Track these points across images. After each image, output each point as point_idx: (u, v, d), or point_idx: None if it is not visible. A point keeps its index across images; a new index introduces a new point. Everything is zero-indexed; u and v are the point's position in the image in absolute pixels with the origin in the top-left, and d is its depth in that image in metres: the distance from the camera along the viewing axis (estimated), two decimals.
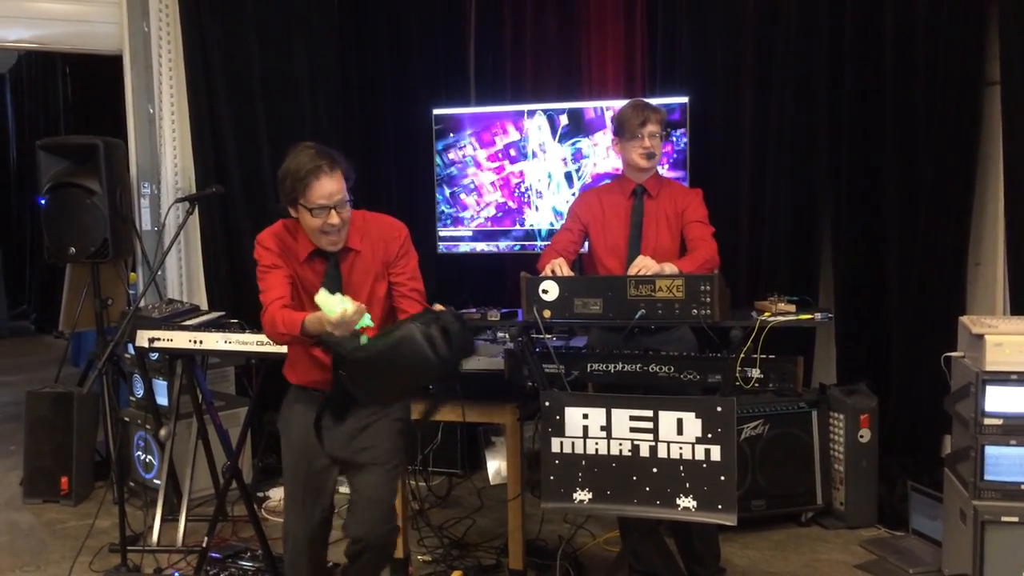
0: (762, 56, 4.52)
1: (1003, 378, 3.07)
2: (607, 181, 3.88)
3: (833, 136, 4.35)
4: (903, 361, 4.23)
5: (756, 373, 2.77)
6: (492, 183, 4.88)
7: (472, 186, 4.91)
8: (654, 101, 4.56)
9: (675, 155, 4.52)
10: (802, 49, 4.38)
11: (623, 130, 3.31)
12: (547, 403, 2.87)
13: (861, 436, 4.02)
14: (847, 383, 4.22)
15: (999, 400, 3.08)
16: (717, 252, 3.15)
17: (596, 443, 2.82)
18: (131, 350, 4.10)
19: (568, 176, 4.74)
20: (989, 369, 3.07)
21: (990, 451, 3.10)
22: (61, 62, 8.71)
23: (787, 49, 4.42)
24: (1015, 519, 3.05)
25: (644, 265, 2.87)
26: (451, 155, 4.93)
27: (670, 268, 2.90)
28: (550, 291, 2.85)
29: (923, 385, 4.06)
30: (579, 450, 2.83)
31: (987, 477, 3.10)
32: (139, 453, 4.45)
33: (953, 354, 3.37)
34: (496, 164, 4.86)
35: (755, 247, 4.60)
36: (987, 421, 3.09)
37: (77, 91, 8.68)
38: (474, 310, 3.22)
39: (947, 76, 3.99)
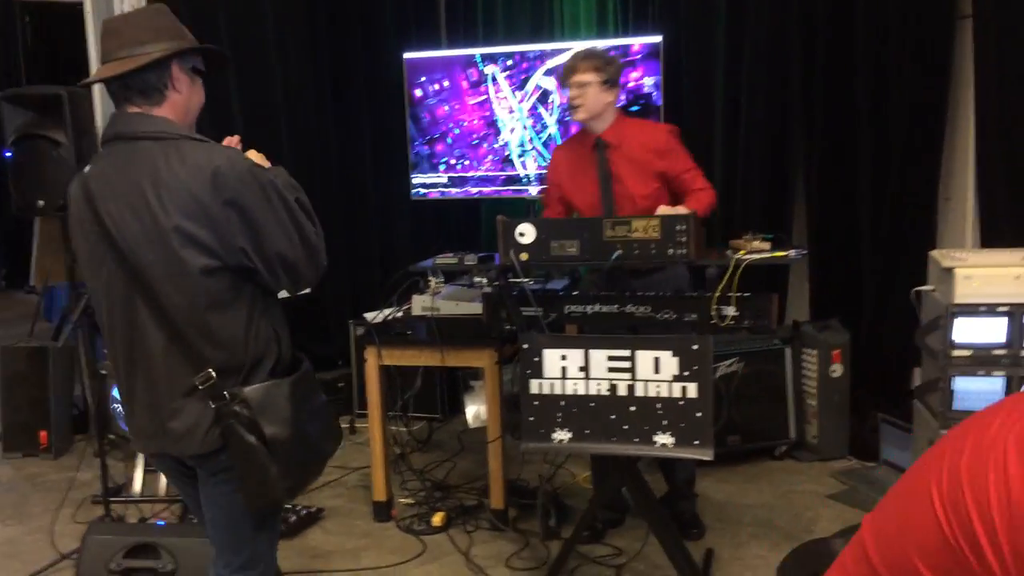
0: None
1: (972, 310, 3.11)
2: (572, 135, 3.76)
3: (806, 70, 4.33)
4: (875, 296, 4.29)
5: (732, 311, 2.79)
6: (464, 127, 4.83)
7: (445, 131, 4.87)
8: (627, 41, 4.57)
9: (630, 93, 4.50)
10: None
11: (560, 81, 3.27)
12: (526, 345, 2.89)
13: (833, 371, 4.09)
14: (820, 320, 4.28)
15: (968, 331, 3.14)
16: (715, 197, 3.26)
17: (575, 384, 2.85)
18: None
19: (539, 116, 4.70)
20: (958, 302, 3.11)
21: (959, 382, 3.16)
22: (20, 11, 8.48)
23: None
24: None
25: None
26: (423, 101, 4.87)
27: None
28: (527, 234, 2.85)
29: (894, 319, 4.12)
30: (558, 391, 2.86)
31: (956, 407, 3.17)
32: (116, 405, 4.44)
33: (923, 288, 3.42)
34: (469, 108, 4.81)
35: (729, 186, 4.61)
36: (956, 352, 3.15)
37: (36, 41, 8.47)
38: (451, 255, 3.22)
39: (920, 9, 3.98)
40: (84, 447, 4.32)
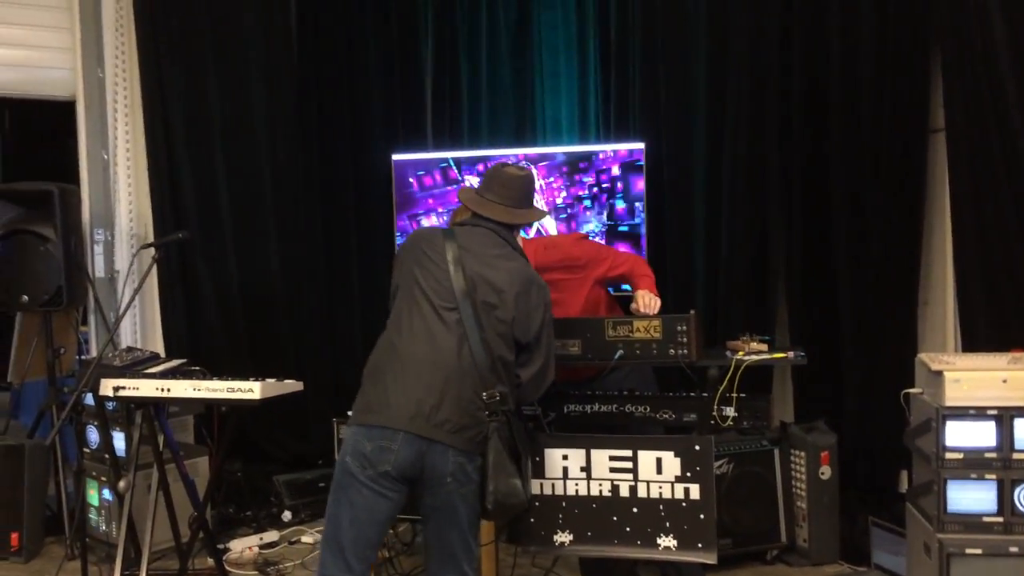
0: (714, 103, 4.65)
1: (962, 413, 3.16)
2: None
3: (784, 180, 4.49)
4: (858, 398, 4.34)
5: (731, 412, 2.82)
6: None
7: None
8: (609, 147, 4.72)
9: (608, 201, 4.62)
10: (753, 95, 4.52)
11: None
12: None
13: (822, 473, 4.09)
14: (805, 421, 4.31)
15: (959, 435, 3.17)
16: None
17: (576, 484, 2.84)
18: (89, 400, 3.98)
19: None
20: (949, 404, 3.16)
21: (952, 485, 3.19)
22: None
23: (739, 96, 4.56)
24: (979, 551, 3.13)
25: (647, 303, 2.95)
26: (411, 202, 4.94)
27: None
28: None
29: (878, 421, 4.17)
30: (559, 491, 2.85)
31: (950, 510, 3.18)
32: (93, 508, 4.31)
33: (912, 391, 3.47)
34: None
35: (711, 289, 4.70)
36: (948, 456, 3.18)
37: (16, 137, 8.49)
38: None
39: (893, 123, 4.16)
40: (63, 551, 4.16)
